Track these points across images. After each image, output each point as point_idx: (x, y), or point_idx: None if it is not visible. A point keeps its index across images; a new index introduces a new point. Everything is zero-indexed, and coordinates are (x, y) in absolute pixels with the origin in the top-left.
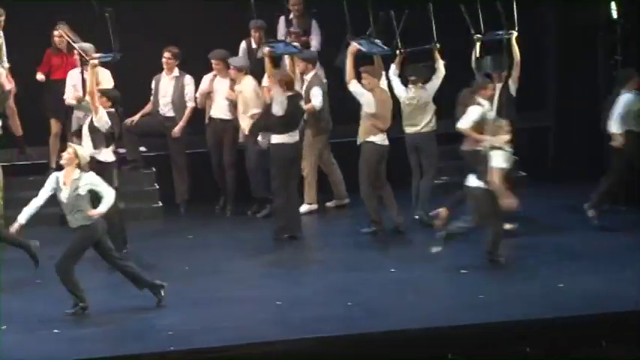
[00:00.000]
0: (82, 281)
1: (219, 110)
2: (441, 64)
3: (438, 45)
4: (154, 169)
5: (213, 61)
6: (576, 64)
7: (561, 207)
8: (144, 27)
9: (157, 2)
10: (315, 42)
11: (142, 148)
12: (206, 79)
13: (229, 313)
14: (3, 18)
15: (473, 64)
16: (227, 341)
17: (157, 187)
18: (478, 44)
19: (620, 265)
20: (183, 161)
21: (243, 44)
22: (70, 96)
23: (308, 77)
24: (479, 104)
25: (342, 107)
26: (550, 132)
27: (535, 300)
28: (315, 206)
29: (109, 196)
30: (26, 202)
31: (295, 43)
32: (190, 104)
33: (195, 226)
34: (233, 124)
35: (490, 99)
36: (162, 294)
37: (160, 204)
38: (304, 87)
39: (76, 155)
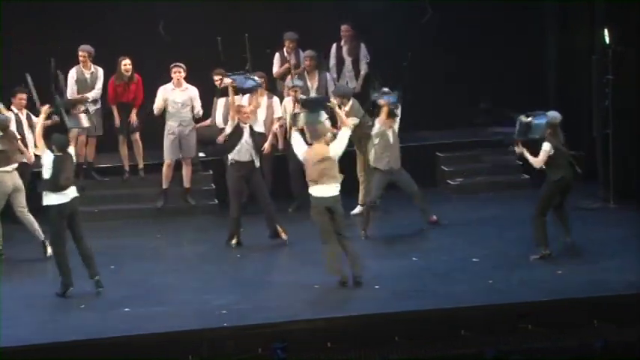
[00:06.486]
0: (153, 267)
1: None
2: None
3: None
4: (211, 172)
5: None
6: (575, 82)
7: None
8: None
9: None
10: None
11: (201, 154)
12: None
13: (275, 295)
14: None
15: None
16: (272, 319)
17: (214, 186)
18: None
19: (609, 255)
20: None
21: (277, 55)
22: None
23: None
24: None
25: None
26: None
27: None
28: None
29: None
30: (106, 199)
31: (256, 77)
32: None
33: (244, 220)
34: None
35: None
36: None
37: (216, 201)
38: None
39: None
